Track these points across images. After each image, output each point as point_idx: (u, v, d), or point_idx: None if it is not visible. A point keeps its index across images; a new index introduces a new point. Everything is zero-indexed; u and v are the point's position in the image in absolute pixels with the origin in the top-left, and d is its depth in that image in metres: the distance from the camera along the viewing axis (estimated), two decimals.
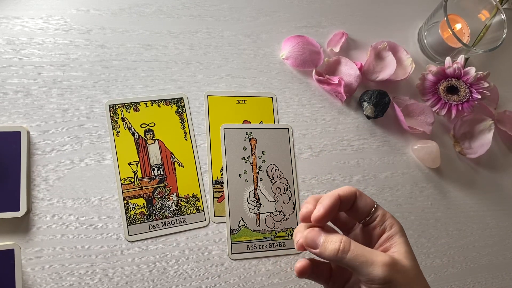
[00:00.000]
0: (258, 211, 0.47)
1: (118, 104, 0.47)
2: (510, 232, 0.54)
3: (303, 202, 0.32)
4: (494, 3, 0.54)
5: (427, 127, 0.53)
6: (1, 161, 0.41)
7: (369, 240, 0.32)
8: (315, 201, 0.31)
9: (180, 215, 0.45)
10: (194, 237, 0.45)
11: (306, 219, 0.31)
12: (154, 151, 0.46)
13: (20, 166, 0.41)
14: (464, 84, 0.51)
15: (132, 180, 0.45)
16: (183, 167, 0.47)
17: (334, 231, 0.31)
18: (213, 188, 0.47)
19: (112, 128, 0.46)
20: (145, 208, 0.45)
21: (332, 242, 0.29)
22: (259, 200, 0.47)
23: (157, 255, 0.43)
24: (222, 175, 0.47)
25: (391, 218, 0.31)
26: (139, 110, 0.47)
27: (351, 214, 0.33)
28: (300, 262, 0.32)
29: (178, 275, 0.43)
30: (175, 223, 0.45)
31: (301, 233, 0.31)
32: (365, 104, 0.52)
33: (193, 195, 0.46)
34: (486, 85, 0.50)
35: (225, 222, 0.46)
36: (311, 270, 0.32)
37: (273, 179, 0.48)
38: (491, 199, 0.54)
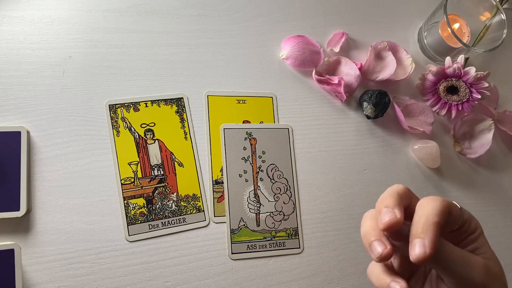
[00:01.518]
0: (258, 211, 0.47)
1: (118, 104, 0.47)
2: (510, 232, 0.54)
3: (381, 206, 0.26)
4: (494, 3, 0.54)
5: (427, 127, 0.53)
6: (1, 161, 0.41)
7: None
8: (399, 206, 0.26)
9: (180, 215, 0.45)
10: (194, 237, 0.45)
11: (393, 228, 0.25)
12: (154, 151, 0.46)
13: (20, 166, 0.41)
14: (464, 84, 0.51)
15: (132, 180, 0.45)
16: (183, 167, 0.47)
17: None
18: (213, 188, 0.47)
19: (112, 128, 0.46)
20: (145, 208, 0.45)
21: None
22: (259, 200, 0.47)
23: (157, 255, 0.43)
24: (222, 175, 0.47)
25: (473, 219, 0.28)
26: (139, 110, 0.47)
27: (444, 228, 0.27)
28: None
29: (178, 275, 0.43)
30: (175, 223, 0.45)
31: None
32: (365, 104, 0.52)
33: (193, 195, 0.46)
34: (486, 85, 0.50)
35: (225, 222, 0.46)
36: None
37: (273, 179, 0.48)
38: (491, 199, 0.54)
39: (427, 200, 0.26)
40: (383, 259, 0.25)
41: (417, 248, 0.24)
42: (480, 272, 0.25)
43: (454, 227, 0.27)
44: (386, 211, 0.25)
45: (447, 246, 0.25)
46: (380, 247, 0.25)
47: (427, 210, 0.25)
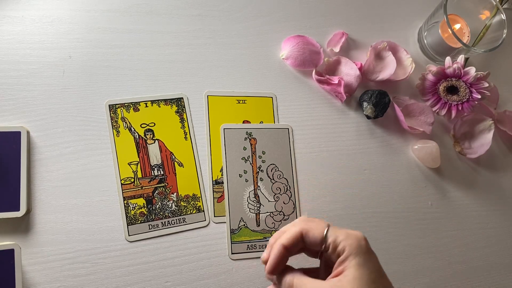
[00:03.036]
0: (258, 211, 0.47)
1: (118, 104, 0.47)
2: (510, 232, 0.54)
3: (268, 241, 0.34)
4: (494, 3, 0.54)
5: (427, 127, 0.53)
6: (1, 161, 0.41)
7: (330, 266, 0.32)
8: (271, 246, 0.33)
9: (180, 215, 0.45)
10: (194, 237, 0.45)
11: (266, 263, 0.33)
12: (154, 151, 0.46)
13: (20, 166, 0.41)
14: (464, 84, 0.51)
15: (132, 180, 0.45)
16: (183, 167, 0.47)
17: (284, 271, 0.33)
18: (213, 188, 0.47)
19: (112, 128, 0.46)
20: (145, 208, 0.45)
21: (282, 284, 0.32)
22: (259, 200, 0.47)
23: (157, 255, 0.43)
24: (222, 175, 0.47)
25: (344, 241, 0.30)
26: (139, 110, 0.47)
27: (306, 252, 0.34)
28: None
29: (178, 275, 0.43)
30: (175, 223, 0.45)
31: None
32: (365, 104, 0.52)
33: (193, 195, 0.46)
34: (486, 85, 0.50)
35: (225, 222, 0.46)
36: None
37: (273, 179, 0.48)
38: (491, 199, 0.54)
39: (287, 226, 0.33)
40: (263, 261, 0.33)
41: (267, 264, 0.32)
42: None
43: (316, 248, 0.32)
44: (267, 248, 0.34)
45: (299, 278, 0.31)
46: (264, 253, 0.33)
47: (282, 236, 0.32)
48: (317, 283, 0.30)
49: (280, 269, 0.32)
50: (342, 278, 0.29)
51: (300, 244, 0.32)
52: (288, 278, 0.32)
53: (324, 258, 0.33)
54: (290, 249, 0.32)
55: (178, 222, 0.45)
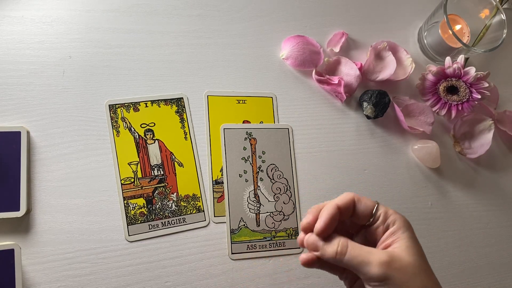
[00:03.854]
0: (258, 211, 0.47)
1: (118, 104, 0.47)
2: (509, 231, 0.54)
3: (306, 211, 0.32)
4: (494, 3, 0.54)
5: (427, 127, 0.53)
6: (1, 161, 0.41)
7: (374, 239, 0.32)
8: (317, 212, 0.32)
9: (180, 215, 0.45)
10: (194, 237, 0.45)
11: (307, 230, 0.32)
12: (154, 151, 0.46)
13: (20, 166, 0.41)
14: (464, 84, 0.51)
15: (132, 180, 0.45)
16: (183, 167, 0.47)
17: (333, 234, 0.31)
18: (213, 188, 0.47)
19: (112, 128, 0.46)
20: (145, 208, 0.45)
21: (330, 245, 0.31)
22: (259, 200, 0.47)
23: (157, 255, 0.43)
24: (222, 175, 0.47)
25: (394, 214, 0.31)
26: (139, 110, 0.47)
27: (354, 219, 0.33)
28: (307, 254, 0.32)
29: (178, 275, 0.43)
30: (175, 223, 0.45)
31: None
32: (365, 104, 0.52)
33: (193, 195, 0.46)
34: (486, 85, 0.50)
35: (225, 222, 0.46)
36: (320, 263, 0.32)
37: (273, 179, 0.48)
38: (491, 199, 0.54)
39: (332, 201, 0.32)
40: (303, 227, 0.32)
41: (317, 223, 0.31)
42: (379, 267, 0.28)
43: (364, 221, 0.32)
44: (305, 216, 0.33)
45: (351, 246, 0.30)
46: (305, 219, 0.32)
47: (337, 198, 0.32)
48: (372, 249, 0.30)
49: (330, 231, 0.31)
50: (396, 247, 0.30)
51: (350, 211, 0.32)
52: (342, 240, 0.30)
53: (366, 233, 0.33)
54: (342, 212, 0.31)
55: (178, 222, 0.45)
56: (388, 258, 0.29)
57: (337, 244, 0.30)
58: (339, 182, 0.50)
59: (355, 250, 0.30)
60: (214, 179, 0.47)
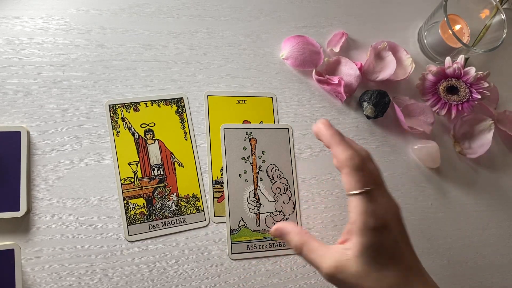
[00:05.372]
0: (258, 211, 0.47)
1: (118, 104, 0.47)
2: (510, 231, 0.54)
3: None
4: (494, 3, 0.54)
5: (427, 127, 0.53)
6: (1, 161, 0.41)
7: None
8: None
9: (180, 215, 0.45)
10: (194, 237, 0.45)
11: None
12: (154, 151, 0.46)
13: (20, 166, 0.41)
14: (464, 84, 0.51)
15: (132, 180, 0.45)
16: (183, 167, 0.47)
17: (300, 229, 0.36)
18: (213, 188, 0.47)
19: (112, 128, 0.46)
20: (145, 208, 0.45)
21: (292, 241, 0.35)
22: (259, 200, 0.47)
23: (157, 255, 0.43)
24: (222, 175, 0.47)
25: (356, 215, 0.32)
26: (139, 110, 0.47)
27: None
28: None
29: (178, 275, 0.43)
30: (175, 223, 0.45)
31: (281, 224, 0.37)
32: (365, 104, 0.52)
33: (193, 195, 0.46)
34: (486, 85, 0.50)
35: (225, 222, 0.46)
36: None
37: (273, 179, 0.48)
38: (491, 199, 0.54)
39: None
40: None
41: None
42: (324, 273, 0.32)
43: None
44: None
45: (306, 248, 0.33)
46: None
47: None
48: (326, 252, 0.33)
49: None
50: (349, 248, 0.32)
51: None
52: (304, 237, 0.34)
53: None
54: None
55: (178, 222, 0.45)
56: (334, 268, 0.31)
57: (296, 240, 0.34)
58: (339, 182, 0.50)
59: (310, 252, 0.33)
60: (214, 179, 0.47)
